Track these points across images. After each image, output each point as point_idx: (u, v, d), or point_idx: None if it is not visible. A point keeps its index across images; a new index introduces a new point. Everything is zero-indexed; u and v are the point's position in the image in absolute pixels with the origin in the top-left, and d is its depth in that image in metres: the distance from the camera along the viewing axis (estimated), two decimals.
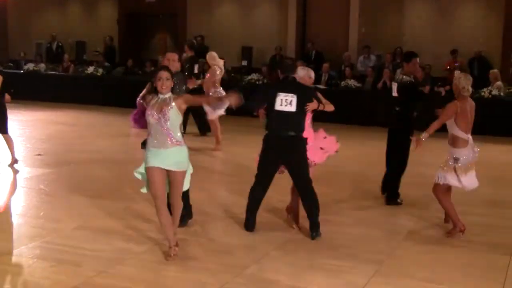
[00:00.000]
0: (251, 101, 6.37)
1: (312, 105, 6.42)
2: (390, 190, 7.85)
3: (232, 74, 16.93)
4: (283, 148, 6.33)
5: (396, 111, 7.70)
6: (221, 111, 8.40)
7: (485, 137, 11.66)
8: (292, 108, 6.25)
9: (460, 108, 6.45)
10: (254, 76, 16.24)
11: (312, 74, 6.85)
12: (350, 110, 14.12)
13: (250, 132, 13.29)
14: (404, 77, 7.70)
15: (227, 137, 12.33)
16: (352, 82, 15.44)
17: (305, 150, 6.39)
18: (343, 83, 15.49)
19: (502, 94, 14.05)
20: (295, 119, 6.30)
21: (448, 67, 16.25)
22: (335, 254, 6.00)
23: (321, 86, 14.98)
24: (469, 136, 6.52)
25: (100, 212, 7.14)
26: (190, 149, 5.76)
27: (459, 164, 6.45)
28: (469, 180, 6.52)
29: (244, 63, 18.58)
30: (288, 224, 6.82)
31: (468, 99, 6.59)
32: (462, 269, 5.70)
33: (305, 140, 6.43)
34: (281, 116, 6.27)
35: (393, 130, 7.81)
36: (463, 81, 6.53)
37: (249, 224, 6.58)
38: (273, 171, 6.48)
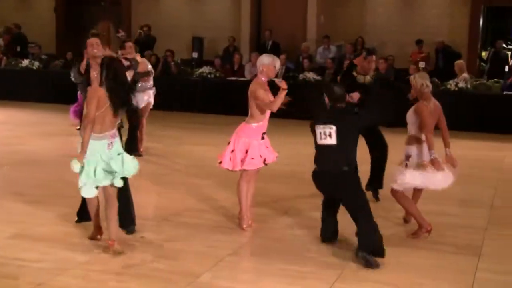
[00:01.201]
0: None
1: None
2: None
3: (182, 67, 16.87)
4: None
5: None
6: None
7: (452, 132, 11.82)
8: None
9: (428, 109, 6.57)
10: (205, 69, 16.21)
11: (278, 63, 6.94)
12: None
13: (199, 130, 13.33)
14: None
15: (175, 136, 12.34)
16: (311, 75, 15.49)
17: None
18: (301, 76, 15.56)
19: (469, 86, 14.23)
20: None
21: (414, 62, 16.33)
22: (295, 258, 6.06)
23: (278, 80, 15.01)
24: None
25: (38, 218, 7.07)
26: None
27: (410, 161, 6.63)
28: (432, 178, 6.62)
29: (195, 55, 18.50)
30: (240, 227, 6.87)
31: (432, 99, 6.71)
32: (427, 272, 5.83)
33: None
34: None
35: None
36: (419, 79, 6.62)
37: None
38: None
